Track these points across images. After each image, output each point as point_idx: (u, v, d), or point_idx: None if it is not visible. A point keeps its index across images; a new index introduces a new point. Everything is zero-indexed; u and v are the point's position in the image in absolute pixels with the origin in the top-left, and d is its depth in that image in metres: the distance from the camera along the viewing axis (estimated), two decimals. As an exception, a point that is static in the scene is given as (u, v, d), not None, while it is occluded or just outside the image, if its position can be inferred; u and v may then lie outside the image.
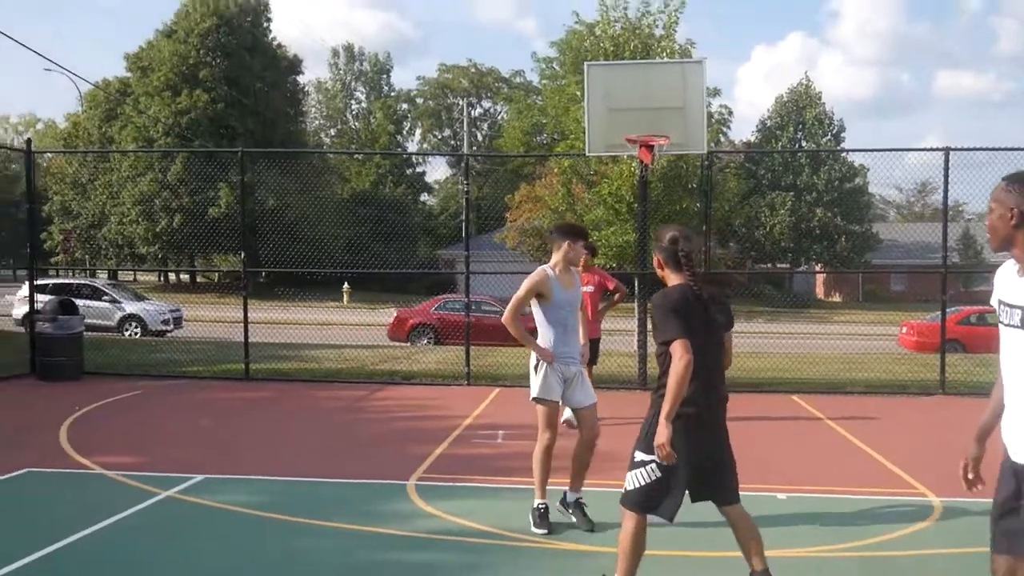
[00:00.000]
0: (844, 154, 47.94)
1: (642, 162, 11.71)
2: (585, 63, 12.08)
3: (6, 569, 4.99)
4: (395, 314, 21.69)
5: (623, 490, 4.45)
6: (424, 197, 64.21)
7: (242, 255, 13.55)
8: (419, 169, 63.10)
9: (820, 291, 52.93)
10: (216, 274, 47.44)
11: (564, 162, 22.14)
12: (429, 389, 12.75)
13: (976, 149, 12.82)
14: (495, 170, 47.55)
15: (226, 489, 6.87)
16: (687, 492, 4.37)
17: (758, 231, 44.85)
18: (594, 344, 9.48)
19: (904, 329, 22.03)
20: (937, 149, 12.30)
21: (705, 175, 12.64)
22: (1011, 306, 3.35)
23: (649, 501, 4.35)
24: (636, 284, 19.93)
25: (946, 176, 11.99)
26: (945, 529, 6.17)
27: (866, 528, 6.11)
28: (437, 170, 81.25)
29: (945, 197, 12.23)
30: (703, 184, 12.80)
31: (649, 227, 12.18)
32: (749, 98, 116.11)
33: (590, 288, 9.29)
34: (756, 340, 17.18)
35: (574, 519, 6.06)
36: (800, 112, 48.03)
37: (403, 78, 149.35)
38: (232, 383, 12.97)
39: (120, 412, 10.55)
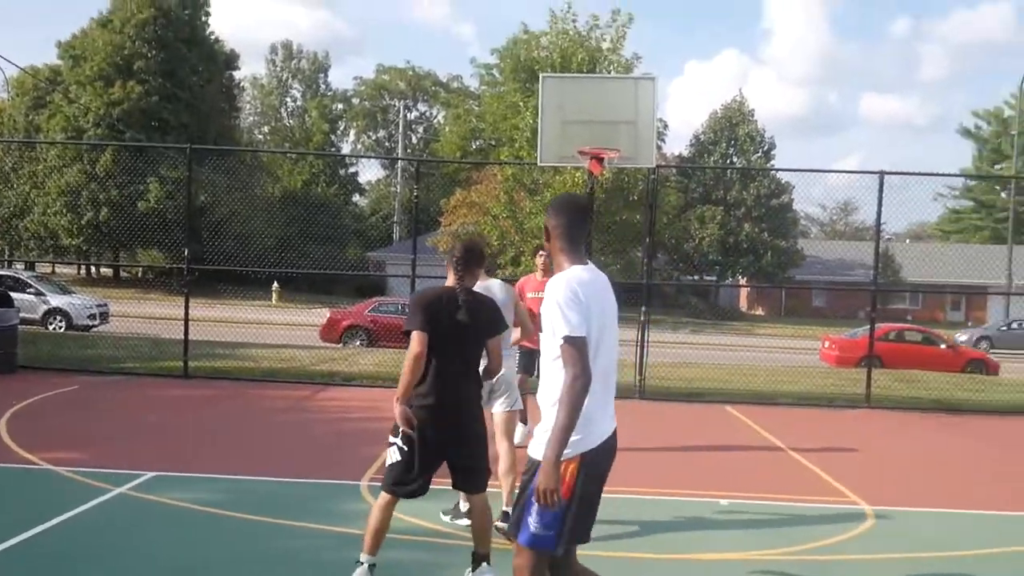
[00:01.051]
0: (773, 172, 49.03)
1: (591, 174, 11.96)
2: (541, 75, 12.27)
3: (-34, 563, 4.97)
4: (327, 315, 21.61)
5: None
6: (356, 198, 63.87)
7: (185, 252, 13.40)
8: (352, 169, 62.74)
9: (743, 304, 54.08)
10: (140, 269, 46.49)
11: (507, 169, 22.31)
12: (370, 391, 12.78)
13: (909, 173, 13.38)
14: (430, 174, 47.48)
15: (179, 487, 6.87)
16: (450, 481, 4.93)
17: (687, 243, 45.65)
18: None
19: (826, 344, 22.72)
20: (872, 172, 12.81)
21: (652, 188, 12.94)
22: None
23: (391, 479, 4.77)
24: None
25: (880, 198, 12.49)
26: (877, 535, 6.50)
27: (804, 533, 6.40)
28: (369, 171, 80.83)
29: (878, 218, 12.73)
30: (648, 197, 13.08)
31: (592, 238, 12.40)
32: (682, 112, 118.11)
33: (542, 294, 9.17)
34: (685, 351, 17.61)
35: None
36: (733, 128, 49.05)
37: (338, 77, 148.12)
38: (171, 380, 12.84)
39: (60, 407, 10.39)
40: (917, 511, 7.35)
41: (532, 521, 3.43)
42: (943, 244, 62.31)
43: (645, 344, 12.76)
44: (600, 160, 11.52)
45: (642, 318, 12.81)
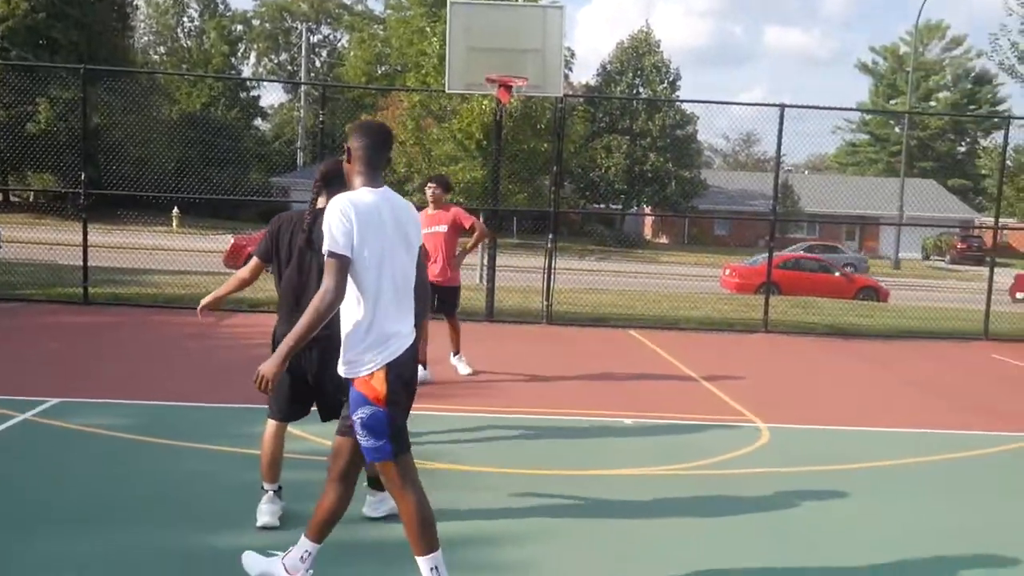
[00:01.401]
0: (679, 103, 49.56)
1: (499, 102, 11.96)
2: (449, 0, 12.14)
3: None
4: (231, 241, 21.21)
5: None
6: (258, 122, 62.32)
7: (82, 176, 12.96)
8: (254, 93, 61.02)
9: (648, 232, 54.99)
10: (31, 194, 44.63)
11: (414, 96, 22.07)
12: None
13: (807, 107, 13.78)
14: (335, 98, 46.52)
15: (86, 412, 6.81)
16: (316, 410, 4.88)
17: (594, 172, 46.02)
18: (451, 293, 8.93)
19: (727, 271, 23.38)
20: (773, 105, 13.15)
21: (559, 118, 13.04)
22: None
23: (270, 405, 4.83)
24: (480, 219, 20.34)
25: (780, 131, 12.84)
26: (771, 450, 6.86)
27: (702, 450, 6.72)
28: (272, 95, 78.69)
29: (778, 150, 13.10)
30: (556, 126, 13.17)
31: (501, 166, 12.49)
32: (590, 41, 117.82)
33: (443, 227, 8.63)
34: (591, 277, 17.86)
35: None
36: (639, 58, 49.28)
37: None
38: (71, 307, 12.54)
39: (-47, 335, 10.10)
40: (809, 428, 7.77)
41: (365, 442, 3.71)
42: (840, 176, 64.20)
43: (552, 271, 12.97)
44: (508, 88, 11.55)
45: (549, 245, 13.00)
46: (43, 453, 5.84)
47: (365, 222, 3.59)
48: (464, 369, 9.03)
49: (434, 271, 8.53)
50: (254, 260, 4.83)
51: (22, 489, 5.17)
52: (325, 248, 3.55)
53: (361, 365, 3.66)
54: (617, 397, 8.49)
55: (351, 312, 3.68)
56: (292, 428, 6.56)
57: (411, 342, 3.80)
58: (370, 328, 3.64)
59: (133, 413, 6.94)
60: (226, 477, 5.61)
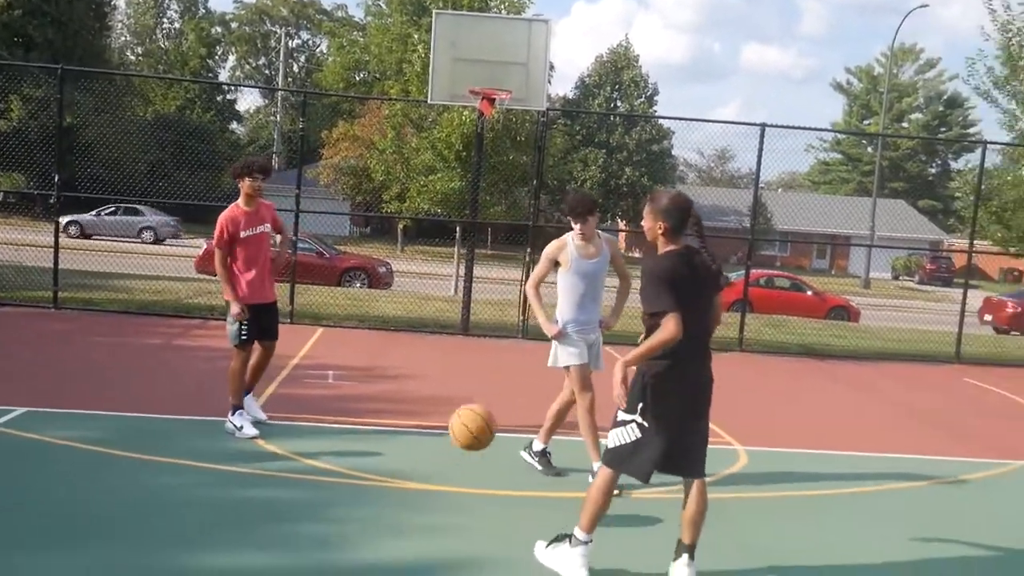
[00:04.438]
0: (658, 119, 49.80)
1: (481, 114, 11.91)
2: (434, 11, 12.10)
3: None
4: (204, 246, 21.00)
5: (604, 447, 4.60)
6: (233, 126, 61.90)
7: (56, 178, 12.74)
8: (230, 96, 60.59)
9: (622, 246, 55.14)
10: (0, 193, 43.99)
11: (396, 104, 21.98)
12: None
13: (789, 127, 13.86)
14: (312, 103, 46.26)
15: (53, 423, 6.66)
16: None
17: (570, 185, 46.08)
18: (267, 311, 7.05)
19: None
20: (754, 124, 13.19)
21: (541, 131, 13.00)
22: None
23: (622, 459, 4.47)
24: (459, 231, 20.28)
25: (760, 150, 12.87)
26: (750, 474, 6.82)
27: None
28: (248, 99, 78.26)
29: (758, 169, 13.13)
30: (538, 140, 13.13)
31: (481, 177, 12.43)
32: (568, 53, 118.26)
33: (266, 227, 7.02)
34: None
35: (539, 467, 6.41)
36: (618, 72, 49.47)
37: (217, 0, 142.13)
38: (39, 311, 12.32)
39: (-83, 337, 9.88)
40: (786, 451, 7.74)
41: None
42: (812, 194, 64.73)
43: (529, 285, 12.88)
44: (492, 101, 11.50)
45: (527, 259, 12.93)
46: (6, 466, 5.69)
47: None
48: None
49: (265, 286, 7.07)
50: (678, 316, 4.24)
51: (-14, 503, 5.02)
52: None
53: None
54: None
55: None
56: (268, 444, 6.49)
57: None
58: None
59: (100, 424, 6.79)
60: (195, 492, 5.47)
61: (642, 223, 4.54)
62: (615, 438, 4.49)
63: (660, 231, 4.42)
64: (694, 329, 4.31)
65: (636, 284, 4.79)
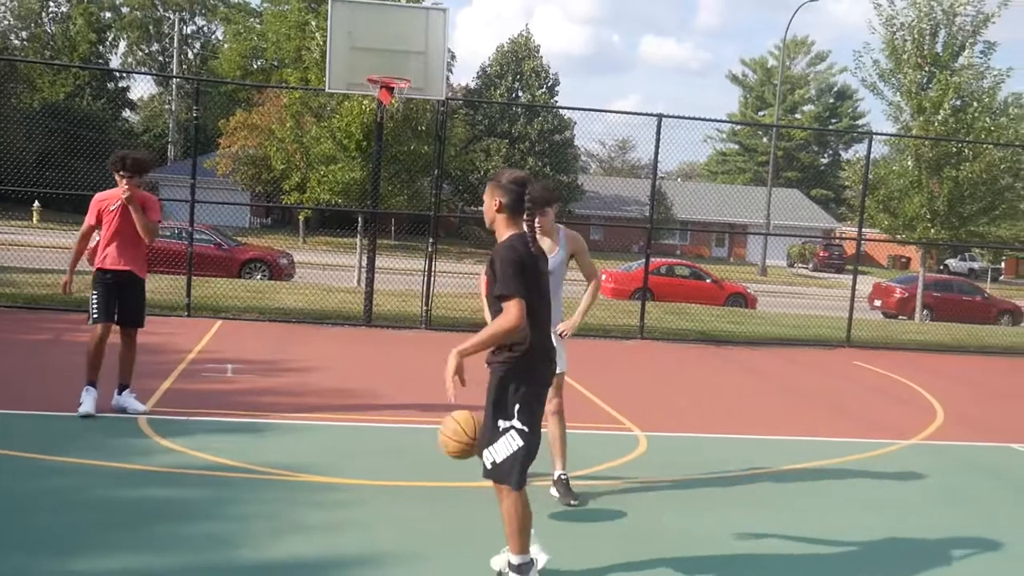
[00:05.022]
0: (559, 109, 50.14)
1: (380, 103, 11.81)
2: (330, -1, 11.94)
3: None
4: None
5: (487, 466, 4.21)
6: (126, 114, 59.97)
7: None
8: (122, 84, 58.65)
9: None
10: None
11: (295, 93, 21.61)
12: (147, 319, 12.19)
13: (685, 118, 14.05)
14: (208, 92, 45.15)
15: (-68, 423, 6.38)
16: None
17: (473, 175, 46.07)
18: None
19: (603, 276, 23.72)
20: (651, 115, 13.38)
21: (440, 121, 12.95)
22: None
23: (521, 471, 4.15)
24: (360, 221, 20.08)
25: (657, 140, 13.10)
26: (649, 459, 6.95)
27: (580, 459, 6.72)
28: (141, 86, 75.86)
29: (656, 159, 13.35)
30: (438, 129, 13.08)
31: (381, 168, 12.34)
32: (469, 43, 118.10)
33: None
34: (471, 281, 17.81)
35: (557, 495, 5.87)
36: (519, 63, 49.63)
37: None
38: (-84, 308, 11.77)
39: None
40: (688, 436, 7.91)
41: None
42: (710, 183, 66.17)
43: (432, 275, 12.88)
44: (390, 90, 11.42)
45: (430, 249, 12.89)
46: None
47: None
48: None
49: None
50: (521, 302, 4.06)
51: None
52: None
53: None
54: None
55: None
56: (164, 440, 6.33)
57: None
58: None
59: (-14, 424, 6.53)
60: (85, 492, 5.30)
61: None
62: (502, 450, 4.17)
63: (496, 208, 4.22)
64: (541, 316, 4.21)
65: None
